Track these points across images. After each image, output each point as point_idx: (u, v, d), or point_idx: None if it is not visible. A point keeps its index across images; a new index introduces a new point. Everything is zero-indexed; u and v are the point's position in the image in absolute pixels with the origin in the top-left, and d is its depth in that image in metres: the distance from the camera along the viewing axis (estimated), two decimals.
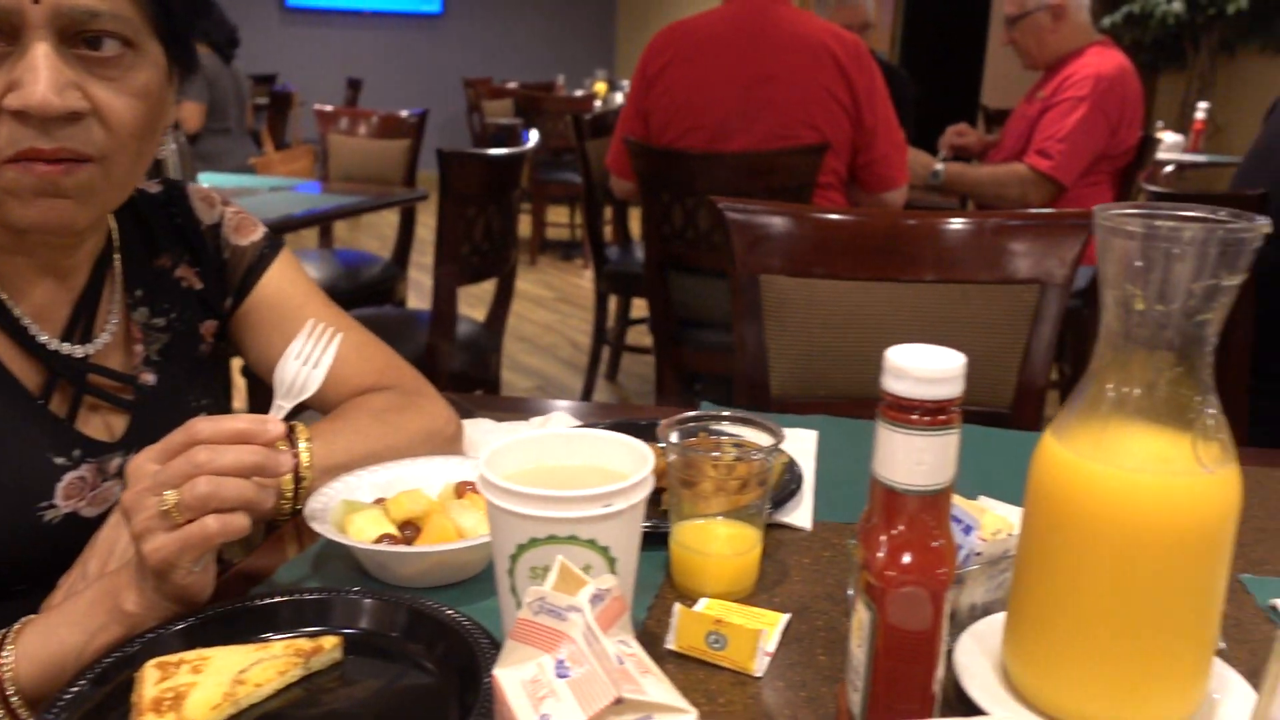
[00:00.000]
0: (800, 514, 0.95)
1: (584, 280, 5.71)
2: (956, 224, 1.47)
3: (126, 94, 0.78)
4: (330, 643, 0.70)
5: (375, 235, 6.62)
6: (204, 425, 0.70)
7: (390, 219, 3.89)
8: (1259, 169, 1.78)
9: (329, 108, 3.63)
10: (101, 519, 0.84)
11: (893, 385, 0.58)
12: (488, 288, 2.63)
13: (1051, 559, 0.64)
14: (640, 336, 4.19)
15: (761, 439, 0.82)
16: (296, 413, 0.85)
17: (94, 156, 0.77)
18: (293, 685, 0.67)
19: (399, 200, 3.03)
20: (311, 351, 0.78)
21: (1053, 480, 0.64)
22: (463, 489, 0.86)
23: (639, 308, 3.91)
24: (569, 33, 10.09)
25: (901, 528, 0.60)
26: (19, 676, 0.70)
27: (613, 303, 3.80)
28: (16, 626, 0.73)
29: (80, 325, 0.87)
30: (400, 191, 3.11)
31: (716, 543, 0.80)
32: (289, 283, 1.02)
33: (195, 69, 0.86)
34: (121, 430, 0.88)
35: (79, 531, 0.83)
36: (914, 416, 0.58)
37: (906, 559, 0.59)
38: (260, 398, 2.66)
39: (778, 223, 1.51)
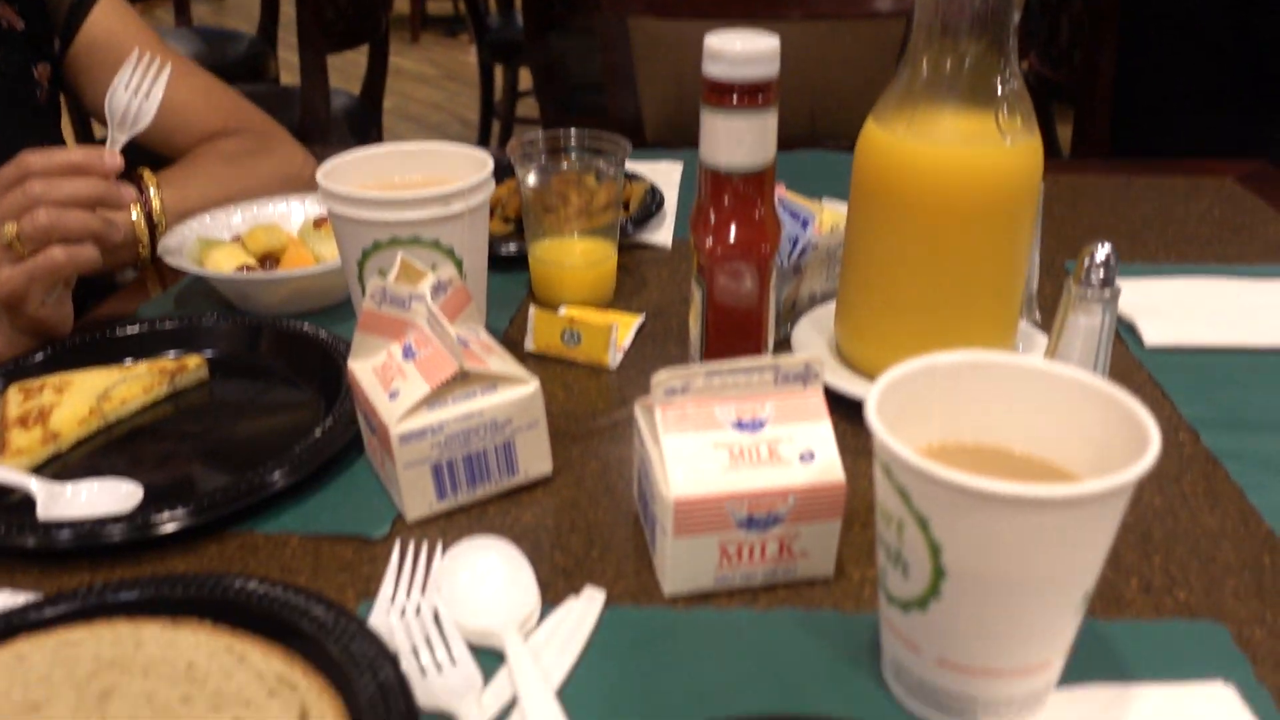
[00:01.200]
0: (661, 234, 0.98)
1: (470, 56, 5.46)
2: None
3: None
4: (194, 361, 0.72)
5: (243, 16, 6.17)
6: (34, 158, 0.69)
7: None
8: None
9: None
10: None
11: (711, 69, 0.60)
12: (361, 60, 2.52)
13: (873, 233, 0.69)
14: (530, 109, 4.08)
15: (610, 154, 0.84)
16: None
17: None
18: (162, 402, 0.70)
19: None
20: (140, 82, 0.76)
21: (872, 161, 0.68)
22: (321, 222, 0.87)
23: (527, 78, 3.79)
24: None
25: (726, 207, 0.63)
26: None
27: (499, 75, 3.68)
28: None
29: None
30: None
31: (572, 256, 0.83)
32: (118, 20, 0.97)
33: None
34: None
35: None
36: (732, 98, 0.60)
37: (731, 236, 0.63)
38: None
39: None
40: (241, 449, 0.66)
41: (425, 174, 0.72)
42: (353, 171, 0.70)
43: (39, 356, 0.71)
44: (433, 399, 0.57)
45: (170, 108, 0.95)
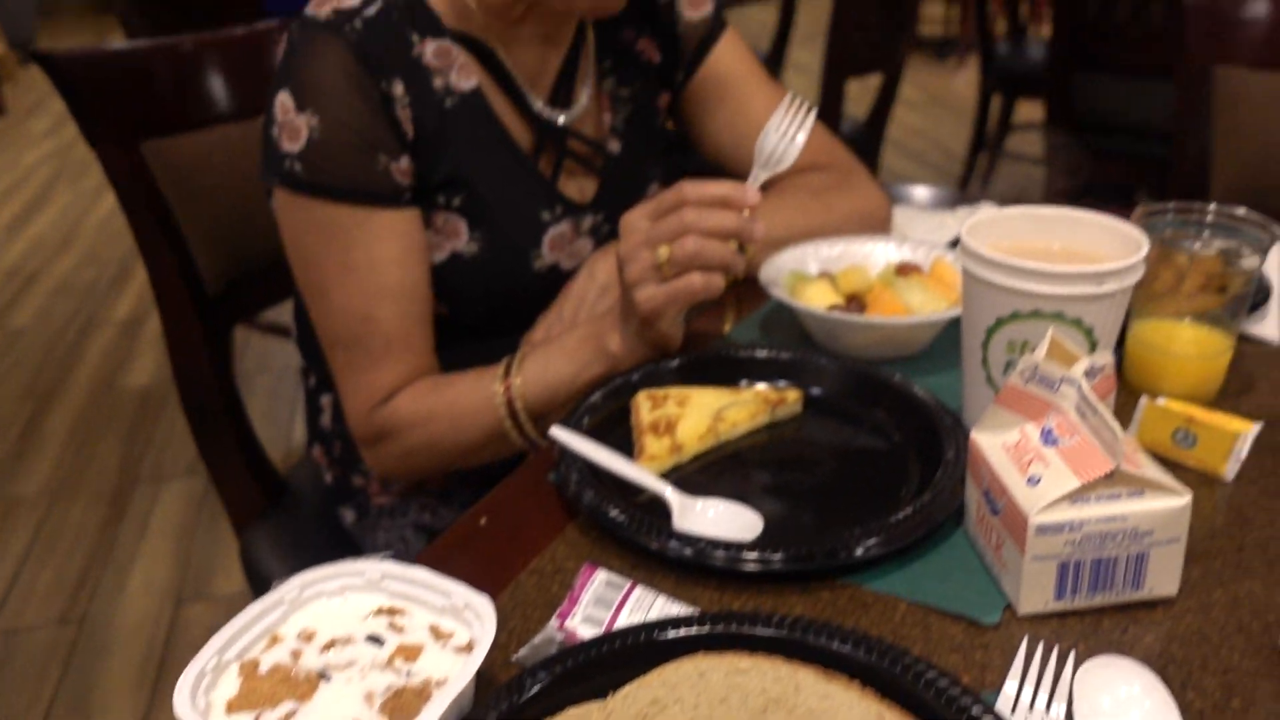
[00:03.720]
0: (1267, 325, 0.87)
1: (956, 83, 5.35)
2: None
3: None
4: (793, 396, 0.75)
5: (741, 28, 6.54)
6: (691, 188, 0.75)
7: (762, 18, 3.83)
8: None
9: None
10: (573, 271, 0.94)
11: None
12: (870, 85, 2.55)
13: None
14: (1020, 145, 3.90)
15: (1247, 236, 0.75)
16: None
17: None
18: (758, 430, 0.74)
19: None
20: (789, 125, 0.80)
21: None
22: (905, 269, 0.87)
23: (1021, 112, 3.62)
24: None
25: None
26: (526, 395, 0.83)
27: (994, 104, 3.54)
28: (519, 355, 0.85)
29: (562, 91, 0.95)
30: None
31: (1181, 344, 0.76)
32: (734, 58, 1.04)
33: None
34: (592, 193, 0.97)
35: (557, 281, 0.94)
36: None
37: None
38: None
39: (1250, 6, 1.32)
40: (841, 494, 0.68)
41: (1063, 243, 0.69)
42: (988, 231, 0.69)
43: (673, 364, 0.78)
44: (1076, 494, 0.54)
45: None
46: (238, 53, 1.12)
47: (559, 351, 0.84)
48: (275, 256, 1.22)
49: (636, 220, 0.77)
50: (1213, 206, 0.77)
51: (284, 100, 0.83)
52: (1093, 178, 2.48)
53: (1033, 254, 0.69)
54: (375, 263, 0.86)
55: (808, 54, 5.30)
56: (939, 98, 5.08)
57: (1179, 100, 1.37)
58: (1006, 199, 3.19)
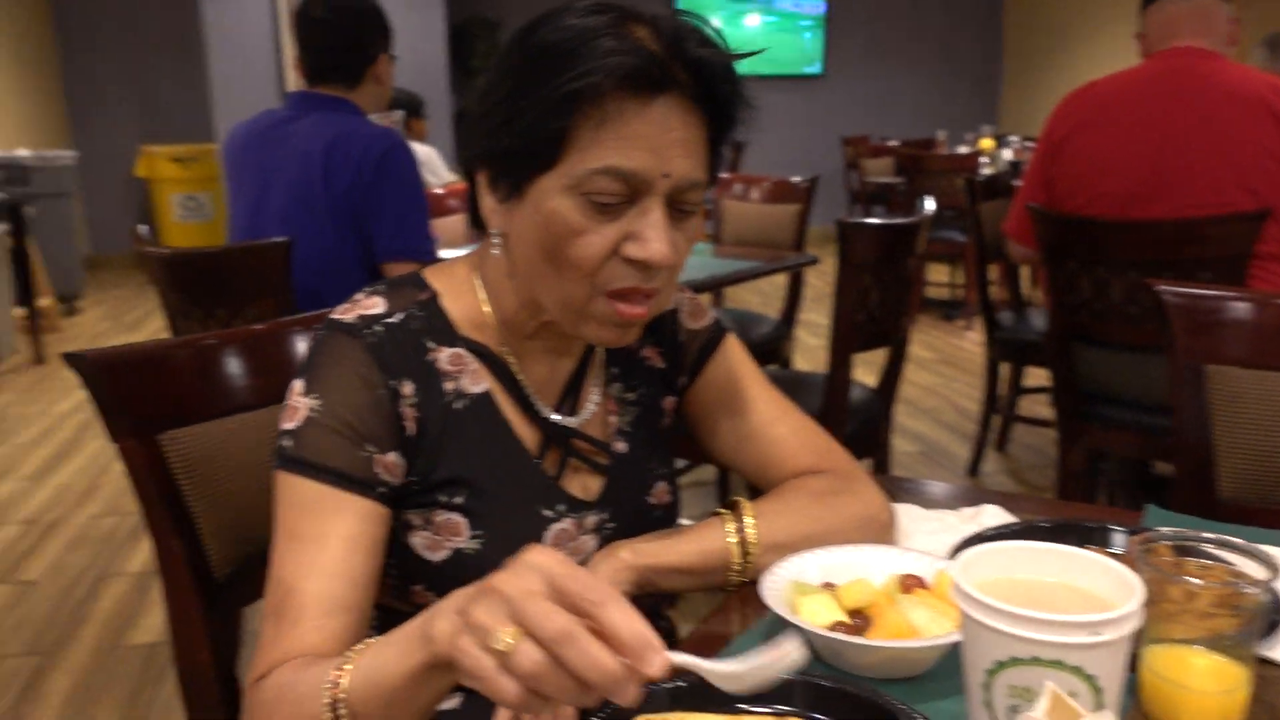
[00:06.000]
0: None
1: (966, 342, 5.51)
2: None
3: (689, 241, 0.89)
4: None
5: (754, 290, 6.83)
6: (615, 609, 0.60)
7: (773, 278, 4.02)
8: None
9: (725, 174, 3.83)
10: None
11: None
12: (877, 352, 2.63)
13: None
14: (1032, 406, 3.97)
15: (1250, 567, 0.75)
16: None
17: (659, 292, 0.89)
18: None
19: (790, 265, 3.12)
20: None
21: None
22: (908, 583, 0.87)
23: (1031, 376, 3.71)
24: (951, 88, 9.86)
25: None
26: (351, 688, 0.71)
27: (1004, 369, 3.63)
28: (360, 645, 0.74)
29: (570, 399, 0.99)
30: (791, 256, 3.20)
31: (1196, 676, 0.74)
32: (735, 364, 1.09)
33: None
34: (597, 491, 0.99)
35: None
36: None
37: None
38: None
39: (1230, 308, 1.38)
40: None
41: (1058, 578, 0.69)
42: (982, 565, 0.70)
43: (669, 685, 0.75)
44: None
45: (769, 441, 1.04)
46: (258, 346, 1.18)
47: (390, 639, 0.71)
48: None
49: (542, 567, 0.62)
50: (1211, 536, 0.78)
51: (296, 385, 0.90)
52: (1102, 446, 2.50)
53: (1029, 590, 0.69)
54: (320, 536, 0.85)
55: (818, 315, 5.54)
56: (950, 357, 5.22)
57: (1174, 394, 1.40)
58: (1022, 463, 3.21)
